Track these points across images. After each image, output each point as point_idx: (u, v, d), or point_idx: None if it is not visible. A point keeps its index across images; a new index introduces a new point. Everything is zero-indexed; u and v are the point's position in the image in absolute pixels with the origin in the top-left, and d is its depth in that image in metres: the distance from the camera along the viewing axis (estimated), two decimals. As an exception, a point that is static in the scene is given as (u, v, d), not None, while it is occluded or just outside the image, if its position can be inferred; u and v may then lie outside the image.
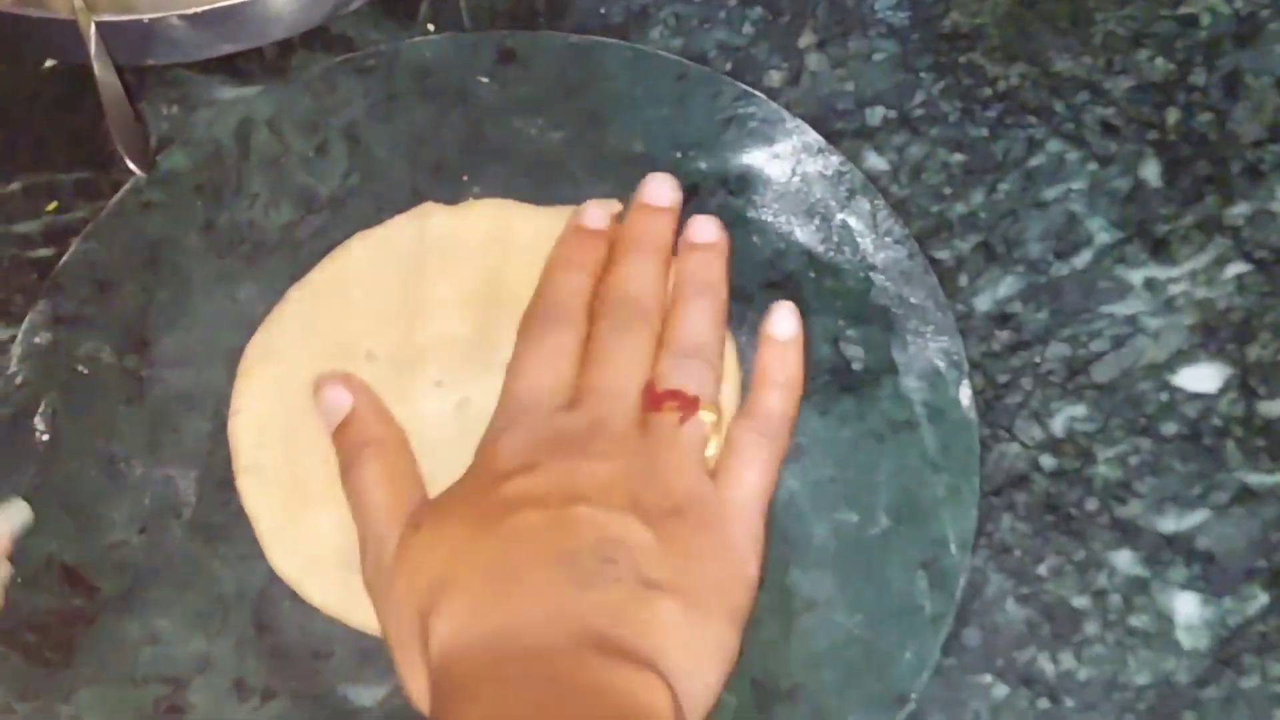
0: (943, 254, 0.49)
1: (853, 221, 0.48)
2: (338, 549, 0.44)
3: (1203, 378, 0.47)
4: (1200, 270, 0.49)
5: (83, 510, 0.46)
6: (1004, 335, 0.48)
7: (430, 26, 0.53)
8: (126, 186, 0.49)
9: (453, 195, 0.49)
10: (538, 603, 0.39)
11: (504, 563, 0.39)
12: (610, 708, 0.36)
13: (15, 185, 0.51)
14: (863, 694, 0.43)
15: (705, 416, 0.43)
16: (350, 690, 0.45)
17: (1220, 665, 0.45)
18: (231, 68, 0.52)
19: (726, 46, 0.52)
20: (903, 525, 0.45)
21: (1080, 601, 0.45)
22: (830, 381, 0.47)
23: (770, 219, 0.49)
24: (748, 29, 0.52)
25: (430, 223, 0.49)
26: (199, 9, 0.49)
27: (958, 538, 0.44)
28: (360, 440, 0.44)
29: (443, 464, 0.44)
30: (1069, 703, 0.44)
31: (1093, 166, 0.50)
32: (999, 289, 0.49)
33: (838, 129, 0.51)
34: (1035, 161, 0.50)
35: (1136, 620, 0.45)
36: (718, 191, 0.49)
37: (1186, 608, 0.45)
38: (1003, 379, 0.48)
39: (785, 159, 0.49)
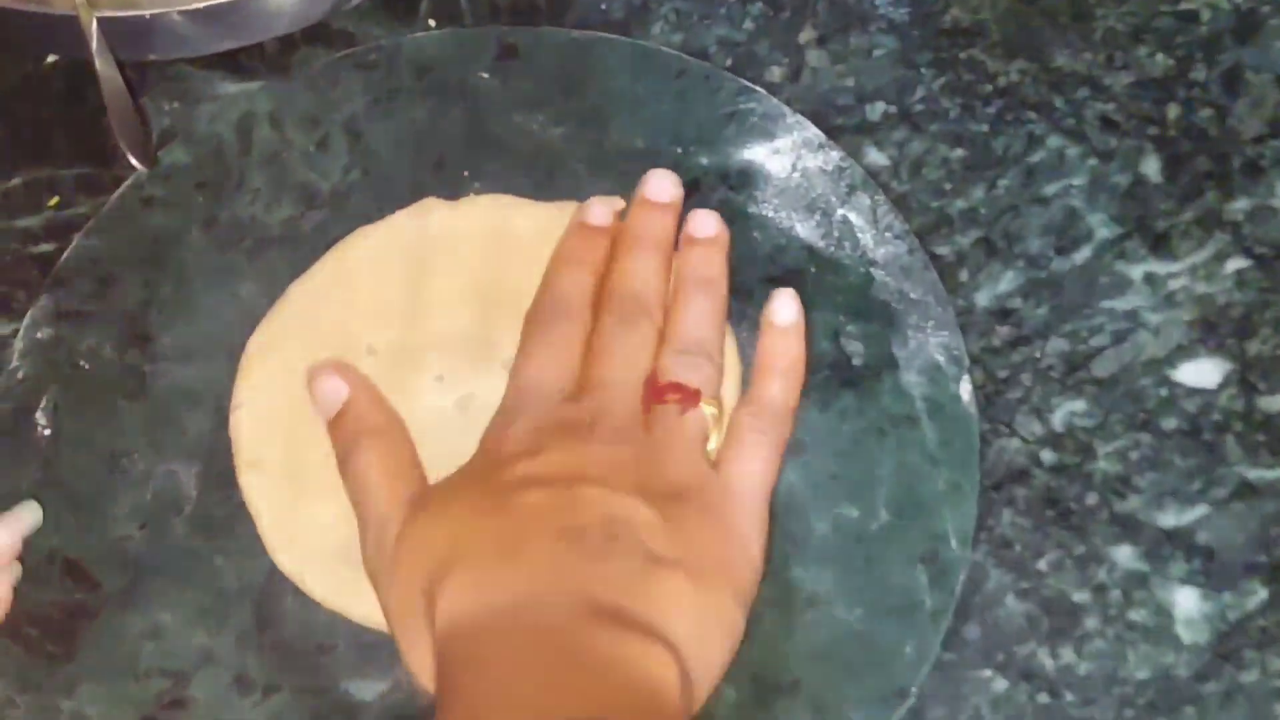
0: (943, 249, 0.49)
1: (853, 217, 0.48)
2: (339, 543, 0.44)
3: (1203, 373, 0.48)
4: (1200, 265, 0.49)
5: (85, 505, 0.46)
6: (1004, 330, 0.48)
7: (431, 22, 0.53)
8: (128, 182, 0.49)
9: (453, 191, 0.49)
10: (546, 575, 0.39)
11: (511, 537, 0.40)
12: (619, 679, 0.37)
13: (17, 180, 0.51)
14: (863, 689, 0.43)
15: (706, 409, 0.43)
16: (352, 684, 0.45)
17: (1220, 660, 0.45)
18: (233, 63, 0.52)
19: (727, 42, 0.52)
20: (903, 520, 0.45)
21: (1080, 596, 0.45)
22: (831, 376, 0.47)
23: (771, 214, 0.49)
24: (748, 24, 0.52)
25: (431, 218, 0.49)
26: (200, 5, 0.49)
27: (958, 533, 0.44)
28: (359, 429, 0.44)
29: (444, 459, 0.44)
30: (1069, 697, 0.44)
31: (1093, 162, 0.50)
32: (999, 284, 0.49)
33: (838, 124, 0.51)
34: (1035, 157, 0.50)
35: (1136, 615, 0.45)
36: (718, 187, 0.49)
37: (1186, 602, 0.45)
38: (1003, 374, 0.48)
39: (786, 154, 0.49)
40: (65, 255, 0.49)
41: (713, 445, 0.44)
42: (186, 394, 0.47)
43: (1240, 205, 0.49)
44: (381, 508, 0.42)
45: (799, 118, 0.49)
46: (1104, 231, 0.49)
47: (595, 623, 0.38)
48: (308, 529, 0.45)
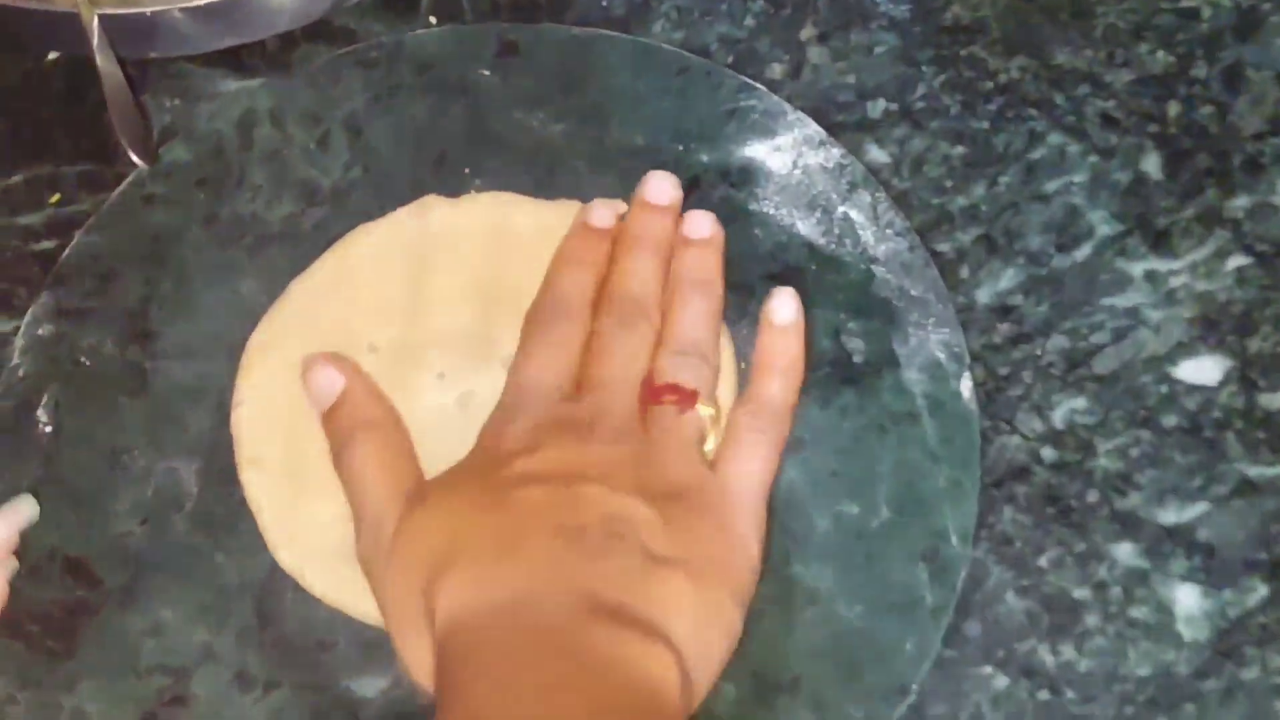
0: (944, 246, 0.49)
1: (854, 214, 0.48)
2: (340, 540, 0.44)
3: (1203, 370, 0.48)
4: (1201, 263, 0.49)
5: (86, 502, 0.46)
6: (1005, 328, 0.48)
7: (432, 19, 0.53)
8: (129, 179, 0.49)
9: (454, 188, 0.49)
10: (545, 572, 0.39)
11: (510, 534, 0.40)
12: (619, 679, 0.37)
13: (18, 177, 0.51)
14: (864, 685, 0.43)
15: (703, 410, 0.43)
16: (353, 681, 0.45)
17: (1220, 657, 0.45)
18: (234, 60, 0.52)
19: (728, 39, 0.52)
20: (903, 517, 0.45)
21: (1081, 593, 0.45)
22: (831, 374, 0.47)
23: (771, 212, 0.49)
24: (749, 22, 0.52)
25: (432, 216, 0.49)
26: (201, 2, 0.49)
27: (958, 530, 0.44)
28: (354, 422, 0.44)
29: (445, 457, 0.44)
30: (1069, 694, 0.44)
31: (1093, 159, 0.50)
32: (1000, 281, 0.49)
33: (839, 122, 0.51)
34: (1036, 154, 0.50)
35: (1137, 612, 0.45)
36: (719, 184, 0.49)
37: (1187, 599, 0.45)
38: (1004, 371, 0.48)
39: (787, 152, 0.49)
40: (66, 252, 0.49)
41: (710, 445, 0.44)
42: (187, 391, 0.47)
43: (1241, 203, 0.49)
44: (378, 502, 0.42)
45: (800, 115, 0.49)
46: (1105, 229, 0.49)
47: (595, 622, 0.38)
48: (308, 526, 0.45)
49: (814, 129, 0.49)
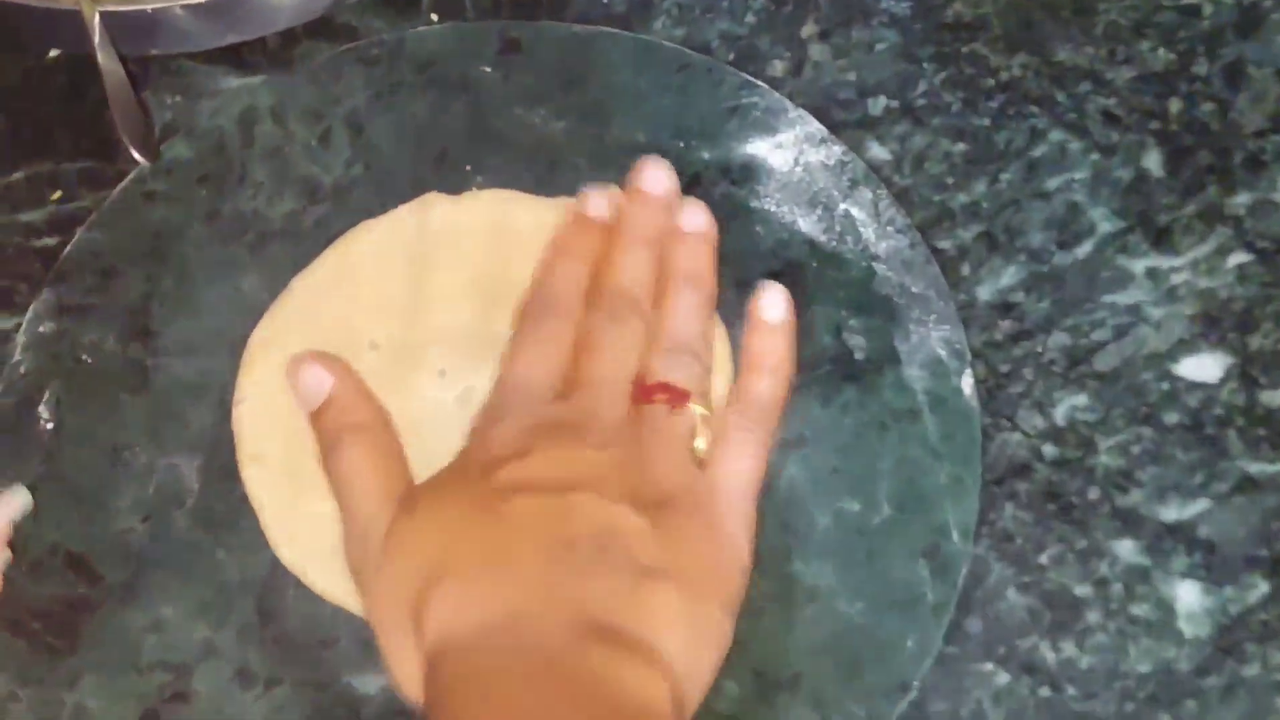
0: (945, 244, 0.49)
1: (855, 211, 0.48)
2: (341, 538, 0.44)
3: (1204, 367, 0.48)
4: (1202, 260, 0.49)
5: (87, 499, 0.46)
6: (1006, 324, 0.48)
7: (433, 16, 0.53)
8: (130, 176, 0.49)
9: (455, 185, 0.49)
10: (536, 589, 0.38)
11: (501, 548, 0.39)
12: (611, 701, 0.36)
13: (19, 174, 0.51)
14: (865, 682, 0.43)
15: (695, 409, 0.43)
16: (354, 678, 0.45)
17: (1221, 654, 0.45)
18: (235, 58, 0.52)
19: (729, 36, 0.52)
20: (905, 514, 0.45)
21: (1082, 590, 0.45)
22: (833, 371, 0.47)
23: (773, 209, 0.49)
24: (750, 19, 0.52)
25: (433, 213, 0.49)
26: (202, -1, 0.49)
27: (959, 526, 0.44)
28: (343, 423, 0.44)
29: (445, 454, 0.44)
30: (1070, 691, 0.44)
31: (1095, 156, 0.50)
32: (1001, 278, 0.49)
33: (840, 119, 0.51)
34: (1037, 151, 0.50)
35: (1138, 609, 0.45)
36: (720, 181, 0.49)
37: (1188, 596, 0.45)
38: (1005, 368, 0.48)
39: (788, 149, 0.49)
40: (68, 249, 0.49)
41: (701, 444, 0.43)
42: (189, 388, 0.47)
43: (1242, 200, 0.49)
44: (366, 508, 0.42)
45: (801, 112, 0.49)
46: (1106, 226, 0.49)
47: (587, 641, 0.37)
48: (310, 523, 0.45)
49: (815, 126, 0.49)
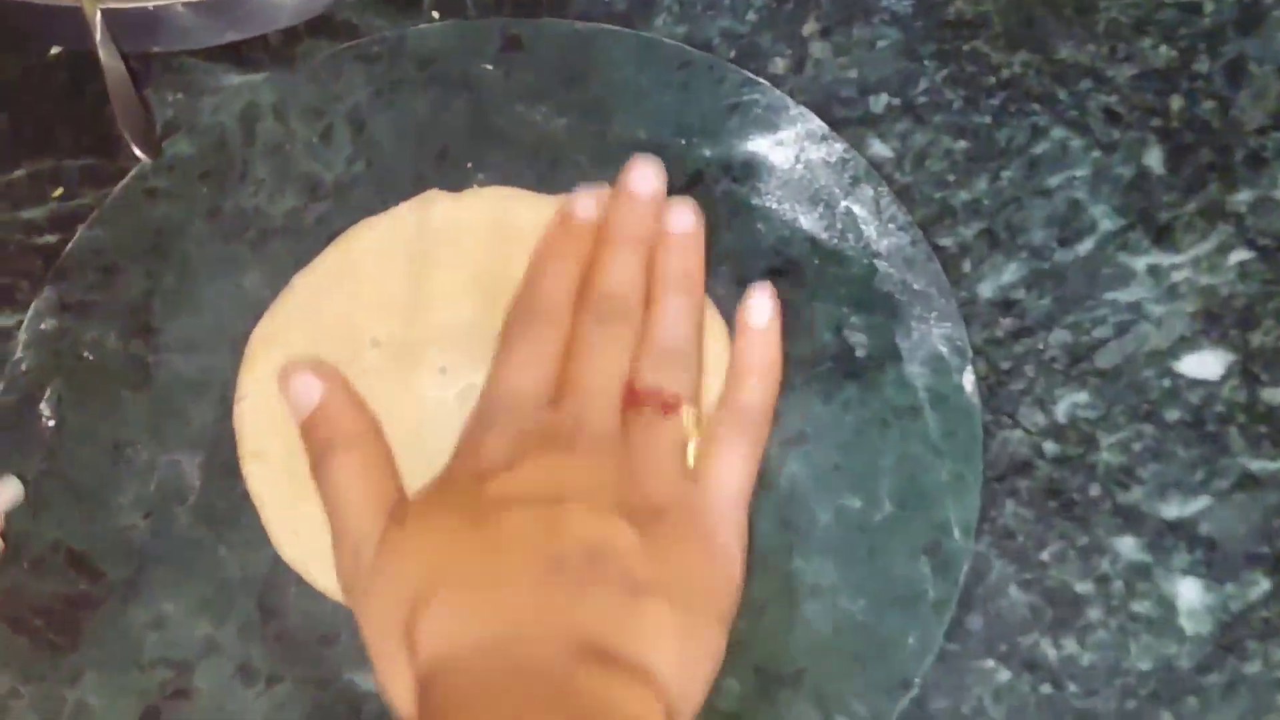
0: (946, 241, 0.49)
1: (856, 208, 0.48)
2: (332, 551, 0.44)
3: (1205, 364, 0.48)
4: (1203, 257, 0.49)
5: (89, 495, 0.46)
6: (1007, 322, 0.48)
7: (434, 14, 0.53)
8: (132, 173, 0.49)
9: (457, 182, 0.49)
10: (528, 608, 0.38)
11: (492, 567, 0.39)
12: None
13: (21, 171, 0.51)
14: (866, 679, 0.43)
15: (686, 415, 0.43)
16: (355, 675, 0.45)
17: (1222, 651, 0.45)
18: (237, 55, 0.52)
19: (730, 34, 0.52)
20: (906, 511, 0.45)
21: (1083, 587, 0.45)
22: (834, 368, 0.47)
23: (774, 206, 0.49)
24: (751, 16, 0.52)
25: (434, 210, 0.49)
26: (204, -4, 0.49)
27: (961, 523, 0.44)
28: (333, 433, 0.44)
29: (445, 451, 0.44)
30: (1071, 688, 0.44)
31: (1096, 154, 0.50)
32: (1002, 276, 0.49)
33: (841, 116, 0.51)
34: (1039, 149, 0.50)
35: (1139, 606, 0.45)
36: (721, 179, 0.49)
37: (1189, 593, 0.45)
38: (1006, 365, 0.48)
39: (789, 146, 0.49)
40: (69, 246, 0.49)
41: (692, 450, 0.43)
42: (190, 385, 0.47)
43: (1243, 197, 0.49)
44: (357, 522, 0.42)
45: (802, 109, 0.49)
46: (1107, 223, 0.49)
47: (579, 662, 0.37)
48: (311, 520, 0.45)
49: (816, 124, 0.49)
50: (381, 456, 0.44)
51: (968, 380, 0.46)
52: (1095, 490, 0.46)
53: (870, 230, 0.48)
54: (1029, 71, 0.51)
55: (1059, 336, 0.48)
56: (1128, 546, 0.46)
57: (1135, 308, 0.48)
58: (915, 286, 0.47)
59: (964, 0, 0.52)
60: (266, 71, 0.52)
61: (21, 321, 0.48)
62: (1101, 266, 0.49)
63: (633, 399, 0.43)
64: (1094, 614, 0.45)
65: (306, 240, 0.49)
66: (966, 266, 0.49)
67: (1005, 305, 0.48)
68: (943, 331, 0.47)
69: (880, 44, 0.52)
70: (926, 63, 0.51)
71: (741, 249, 0.48)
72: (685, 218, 0.46)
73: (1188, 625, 0.45)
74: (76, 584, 0.45)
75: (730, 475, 0.43)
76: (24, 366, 0.47)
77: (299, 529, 0.46)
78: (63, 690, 0.44)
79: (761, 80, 0.50)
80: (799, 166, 0.49)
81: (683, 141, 0.49)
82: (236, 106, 0.50)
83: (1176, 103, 0.51)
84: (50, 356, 0.47)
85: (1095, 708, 0.44)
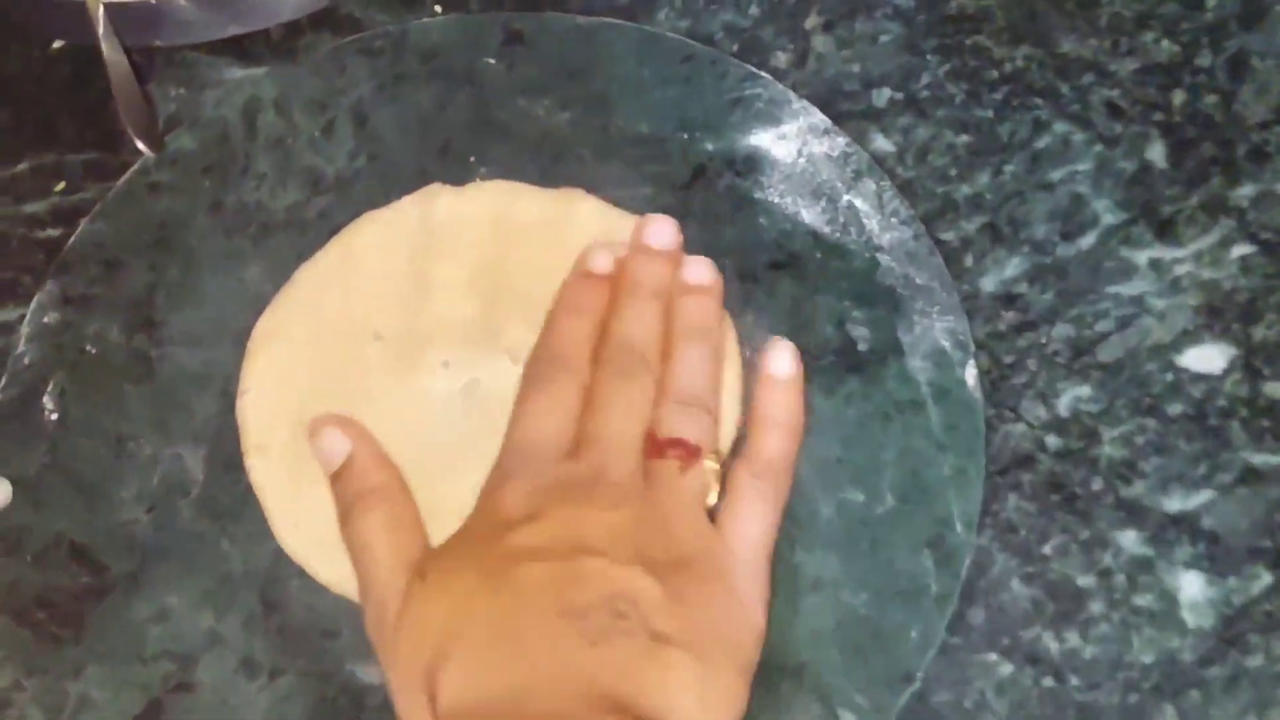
0: (948, 235, 0.49)
1: (859, 202, 0.48)
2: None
3: (1208, 358, 0.48)
4: (1205, 251, 0.49)
5: (91, 489, 0.46)
6: (1009, 316, 0.48)
7: (437, 8, 0.53)
8: (134, 167, 0.49)
9: (459, 176, 0.49)
10: (547, 661, 0.38)
11: (512, 619, 0.39)
12: None
13: (23, 165, 0.51)
14: (868, 672, 0.43)
15: (707, 465, 0.43)
16: (358, 668, 0.45)
17: (1225, 644, 0.45)
18: (239, 49, 0.52)
19: (733, 28, 0.52)
20: (908, 505, 0.45)
21: (1085, 581, 0.45)
22: (836, 362, 0.47)
23: (776, 200, 0.49)
24: (754, 10, 0.52)
25: (437, 204, 0.49)
26: (206, -10, 0.49)
27: (963, 517, 0.44)
28: (360, 488, 0.44)
29: (449, 446, 0.44)
30: (1074, 681, 0.44)
31: (1098, 148, 0.50)
32: (1005, 270, 0.49)
33: (844, 110, 0.51)
34: (1041, 143, 0.50)
35: (1141, 599, 0.45)
36: (724, 173, 0.49)
37: (1191, 587, 0.45)
38: (1008, 359, 0.48)
39: (792, 140, 0.49)
40: (72, 240, 0.49)
41: (713, 499, 0.43)
42: (193, 378, 0.47)
43: (1245, 191, 0.49)
44: (382, 576, 0.42)
45: (805, 103, 0.49)
46: (1109, 217, 0.49)
47: (599, 713, 0.37)
48: (314, 513, 0.45)
49: (819, 117, 0.49)
50: (407, 510, 0.44)
51: (970, 374, 0.46)
52: (1097, 484, 0.46)
53: (873, 224, 0.48)
54: (1031, 66, 0.51)
55: (1061, 330, 0.48)
56: (1130, 540, 0.46)
57: (1137, 301, 0.48)
58: (918, 280, 0.47)
59: (966, -6, 0.52)
60: (269, 65, 0.52)
61: (24, 315, 0.48)
62: (1104, 260, 0.49)
63: (654, 448, 0.43)
64: (1096, 607, 0.45)
65: (309, 234, 0.49)
66: (969, 260, 0.49)
67: (1007, 299, 0.48)
68: (945, 325, 0.47)
69: (883, 38, 0.52)
70: (929, 57, 0.51)
71: (744, 243, 0.48)
72: (702, 272, 0.46)
73: (1190, 619, 0.45)
74: (79, 577, 0.45)
75: (752, 527, 0.43)
76: (27, 360, 0.47)
77: (301, 522, 0.46)
78: (66, 683, 0.44)
79: (764, 74, 0.50)
80: (801, 160, 0.49)
81: (685, 136, 0.49)
82: (239, 100, 0.50)
83: (1179, 97, 0.51)
84: (53, 350, 0.48)
85: (1097, 701, 0.44)
